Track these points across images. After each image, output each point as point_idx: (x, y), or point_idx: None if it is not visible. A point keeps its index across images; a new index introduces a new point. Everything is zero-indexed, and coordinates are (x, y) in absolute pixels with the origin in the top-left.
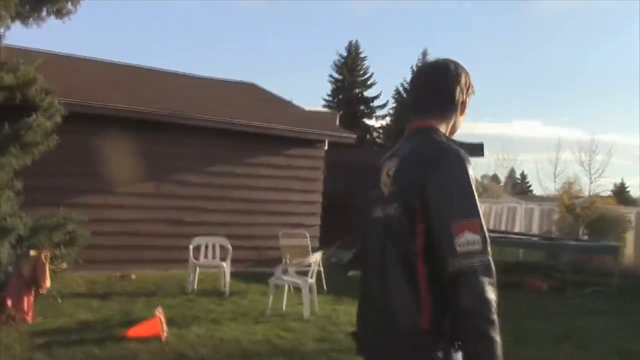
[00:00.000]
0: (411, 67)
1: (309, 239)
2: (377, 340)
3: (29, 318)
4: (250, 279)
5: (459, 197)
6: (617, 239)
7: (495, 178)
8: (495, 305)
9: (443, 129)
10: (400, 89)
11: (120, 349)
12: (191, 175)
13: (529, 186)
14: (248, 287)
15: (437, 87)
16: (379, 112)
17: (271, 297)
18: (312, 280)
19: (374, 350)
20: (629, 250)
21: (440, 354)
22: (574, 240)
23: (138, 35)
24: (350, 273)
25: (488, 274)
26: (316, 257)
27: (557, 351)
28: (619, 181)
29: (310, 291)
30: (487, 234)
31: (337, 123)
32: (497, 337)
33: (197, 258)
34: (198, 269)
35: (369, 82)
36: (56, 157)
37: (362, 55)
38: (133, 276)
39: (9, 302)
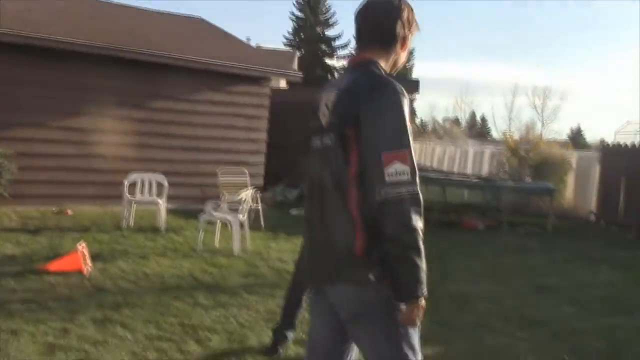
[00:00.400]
0: None
1: (247, 175)
2: (318, 262)
3: None
4: (190, 217)
5: (391, 128)
6: (559, 181)
7: (456, 121)
8: (421, 233)
9: (383, 63)
10: None
11: (39, 283)
12: (131, 110)
13: (489, 130)
14: (186, 224)
15: (378, 21)
16: (341, 52)
17: (202, 233)
18: (243, 217)
19: (317, 272)
20: (568, 192)
21: (372, 278)
22: (512, 182)
23: None
24: (294, 212)
25: (415, 203)
26: (247, 194)
27: (477, 284)
28: (575, 126)
29: (243, 227)
30: (416, 165)
31: (295, 63)
32: (422, 264)
33: (133, 194)
34: (134, 205)
35: (330, 22)
36: None
37: None
38: (69, 212)
39: None
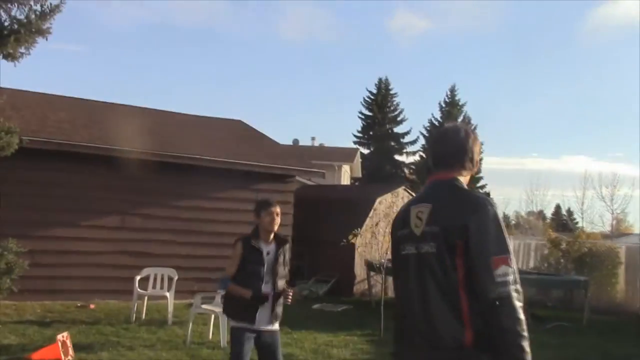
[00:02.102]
0: (438, 103)
1: None
2: (425, 356)
3: None
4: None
5: (496, 237)
6: (608, 274)
7: (540, 214)
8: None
9: (462, 179)
10: (428, 125)
11: None
12: (157, 209)
13: (576, 222)
14: (197, 318)
15: (460, 146)
16: (410, 149)
17: (191, 325)
18: None
19: (415, 355)
20: (620, 285)
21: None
22: (537, 274)
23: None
24: (315, 306)
25: (519, 298)
26: None
27: None
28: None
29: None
30: (516, 267)
31: (356, 160)
32: (529, 349)
33: (146, 288)
34: (146, 299)
35: (399, 119)
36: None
37: (392, 92)
38: (92, 305)
39: None
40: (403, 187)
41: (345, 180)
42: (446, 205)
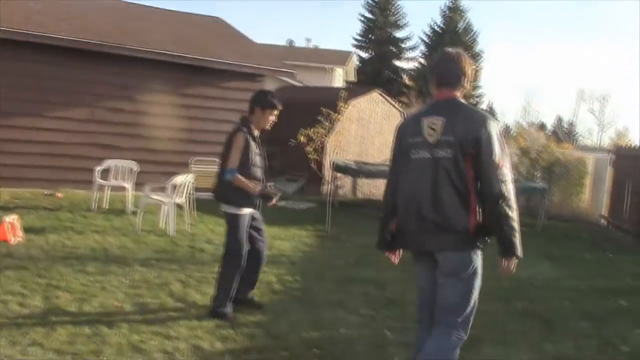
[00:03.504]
0: (440, 8)
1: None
2: (430, 237)
3: None
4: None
5: (499, 146)
6: (576, 184)
7: (542, 126)
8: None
9: (460, 96)
10: (429, 31)
11: None
12: (125, 103)
13: (576, 135)
14: (157, 208)
15: (461, 69)
16: (409, 54)
17: (140, 213)
18: (180, 200)
19: (429, 243)
20: (585, 195)
21: (479, 244)
22: None
23: None
24: (281, 203)
25: (514, 192)
26: (180, 179)
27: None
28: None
29: (183, 209)
30: (511, 168)
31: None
32: (518, 231)
33: (107, 179)
34: (108, 189)
35: (400, 23)
36: None
37: None
38: (59, 194)
39: None
40: (377, 92)
41: (338, 83)
42: (458, 119)
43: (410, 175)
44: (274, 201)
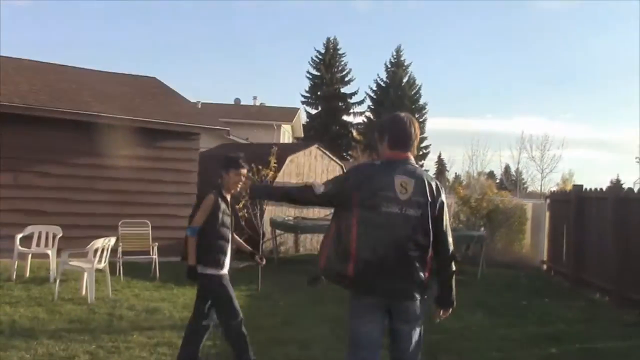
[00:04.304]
0: (384, 64)
1: (150, 227)
2: (399, 287)
3: None
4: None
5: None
6: (517, 230)
7: (491, 174)
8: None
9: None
10: (374, 86)
11: None
12: (53, 166)
13: (524, 183)
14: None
15: (414, 133)
16: (357, 109)
17: (57, 281)
18: (101, 265)
19: (396, 290)
20: (527, 240)
21: (431, 291)
22: None
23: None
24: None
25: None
26: (100, 243)
27: (316, 329)
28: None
29: (106, 275)
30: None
31: (298, 119)
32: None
33: (29, 246)
34: (30, 256)
35: (346, 79)
36: None
37: (340, 52)
38: None
39: None
40: (316, 146)
41: (286, 139)
42: (425, 183)
43: (379, 226)
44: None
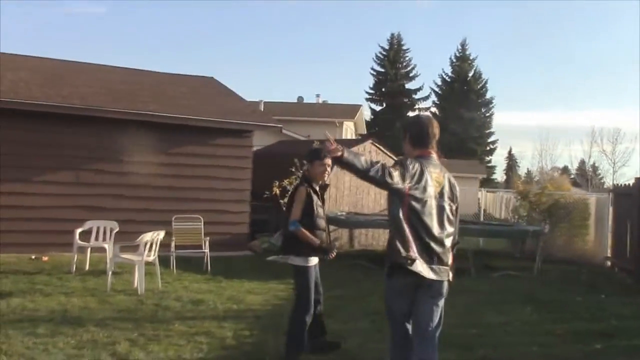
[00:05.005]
0: (449, 58)
1: (202, 222)
2: (437, 267)
3: None
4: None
5: None
6: (580, 226)
7: (565, 169)
8: None
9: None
10: (439, 81)
11: None
12: (111, 164)
13: (601, 178)
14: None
15: (437, 133)
16: (421, 105)
17: (110, 273)
18: (150, 258)
19: (430, 268)
20: (590, 236)
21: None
22: (484, 224)
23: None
24: (270, 257)
25: None
26: (149, 236)
27: (356, 322)
28: None
29: (156, 267)
30: None
31: (360, 116)
32: None
33: (89, 241)
34: (89, 250)
35: (411, 75)
36: None
37: (404, 47)
38: (45, 258)
39: None
40: (370, 142)
41: (348, 136)
42: (448, 176)
43: (423, 213)
44: (332, 254)
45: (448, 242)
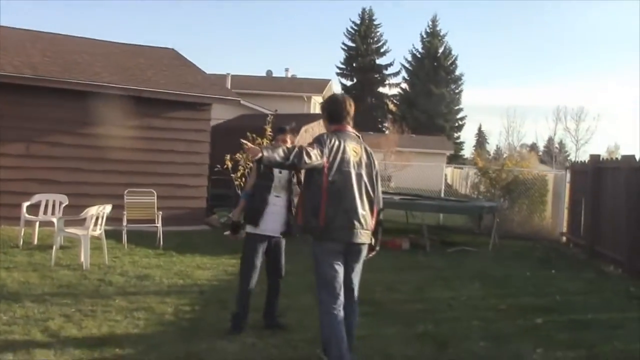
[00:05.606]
0: (420, 34)
1: (155, 196)
2: (359, 231)
3: None
4: (114, 237)
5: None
6: (538, 201)
7: (533, 147)
8: None
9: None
10: (410, 57)
11: None
12: (64, 136)
13: (567, 155)
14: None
15: (352, 110)
16: (392, 80)
17: (54, 248)
18: (96, 232)
19: (357, 236)
20: (548, 213)
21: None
22: (441, 199)
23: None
24: (226, 232)
25: None
26: (94, 210)
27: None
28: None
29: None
30: None
31: (329, 90)
32: None
33: (37, 214)
34: (37, 224)
35: (382, 50)
36: None
37: (375, 22)
38: None
39: None
40: None
41: (316, 111)
42: (365, 146)
43: (342, 182)
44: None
45: (367, 207)
